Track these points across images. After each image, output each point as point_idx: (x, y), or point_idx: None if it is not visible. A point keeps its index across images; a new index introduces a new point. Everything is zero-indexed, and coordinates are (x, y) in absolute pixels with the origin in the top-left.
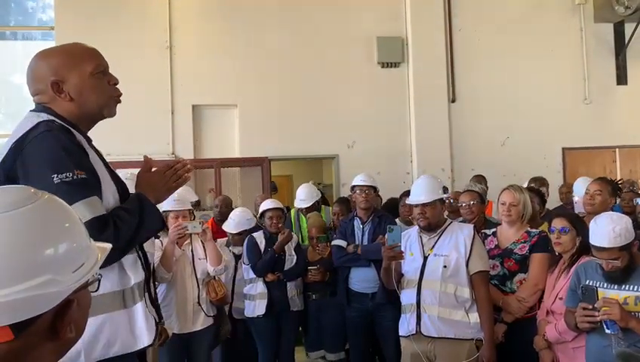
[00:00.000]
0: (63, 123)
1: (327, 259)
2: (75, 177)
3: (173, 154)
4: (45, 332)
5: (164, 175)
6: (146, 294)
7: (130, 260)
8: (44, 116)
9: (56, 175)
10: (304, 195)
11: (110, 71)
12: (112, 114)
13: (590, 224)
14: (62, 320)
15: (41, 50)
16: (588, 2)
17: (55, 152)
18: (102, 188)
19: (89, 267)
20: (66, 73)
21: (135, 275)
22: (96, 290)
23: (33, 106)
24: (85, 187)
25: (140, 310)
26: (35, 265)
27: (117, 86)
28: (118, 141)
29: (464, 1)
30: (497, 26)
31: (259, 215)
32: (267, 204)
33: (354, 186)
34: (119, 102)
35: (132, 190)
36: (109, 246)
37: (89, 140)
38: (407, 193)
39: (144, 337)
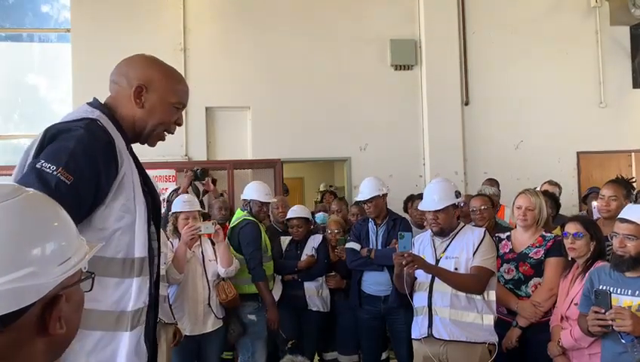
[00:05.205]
0: (110, 124)
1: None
2: (53, 172)
3: (186, 155)
4: (34, 327)
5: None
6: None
7: (137, 283)
8: (97, 113)
9: (44, 161)
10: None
11: None
12: (152, 145)
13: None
14: (50, 315)
15: (150, 56)
16: (604, 5)
17: (65, 147)
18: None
19: (75, 261)
20: (156, 88)
21: (139, 300)
22: (90, 289)
23: (48, 108)
24: (56, 188)
25: (128, 339)
26: (17, 258)
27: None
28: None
29: (478, 4)
30: (511, 29)
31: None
32: (290, 213)
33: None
34: (163, 139)
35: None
36: (100, 244)
37: (129, 148)
38: (419, 196)
39: None
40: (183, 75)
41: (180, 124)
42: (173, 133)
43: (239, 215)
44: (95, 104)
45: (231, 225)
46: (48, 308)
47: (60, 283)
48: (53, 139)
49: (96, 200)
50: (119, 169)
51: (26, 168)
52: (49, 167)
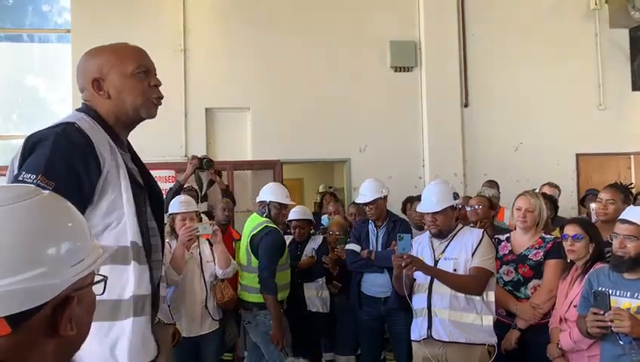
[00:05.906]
0: (95, 124)
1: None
2: (33, 181)
3: (186, 156)
4: (44, 328)
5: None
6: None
7: (132, 270)
8: (78, 116)
9: (24, 172)
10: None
11: None
12: (152, 115)
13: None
14: (61, 316)
15: (93, 48)
16: (603, 7)
17: (43, 155)
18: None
19: (89, 263)
20: (107, 71)
21: (138, 287)
22: (102, 293)
23: (48, 109)
24: None
25: (130, 326)
26: (32, 258)
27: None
28: (132, 143)
29: (478, 6)
30: (511, 31)
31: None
32: (291, 215)
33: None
34: (159, 104)
35: None
36: (114, 246)
37: (122, 144)
38: (418, 198)
39: (124, 359)
40: (183, 76)
41: (157, 85)
42: (161, 96)
43: (259, 221)
44: (82, 108)
45: (251, 232)
46: (60, 309)
47: (73, 284)
48: (32, 148)
49: (84, 201)
50: (102, 168)
51: (11, 180)
52: (29, 177)
